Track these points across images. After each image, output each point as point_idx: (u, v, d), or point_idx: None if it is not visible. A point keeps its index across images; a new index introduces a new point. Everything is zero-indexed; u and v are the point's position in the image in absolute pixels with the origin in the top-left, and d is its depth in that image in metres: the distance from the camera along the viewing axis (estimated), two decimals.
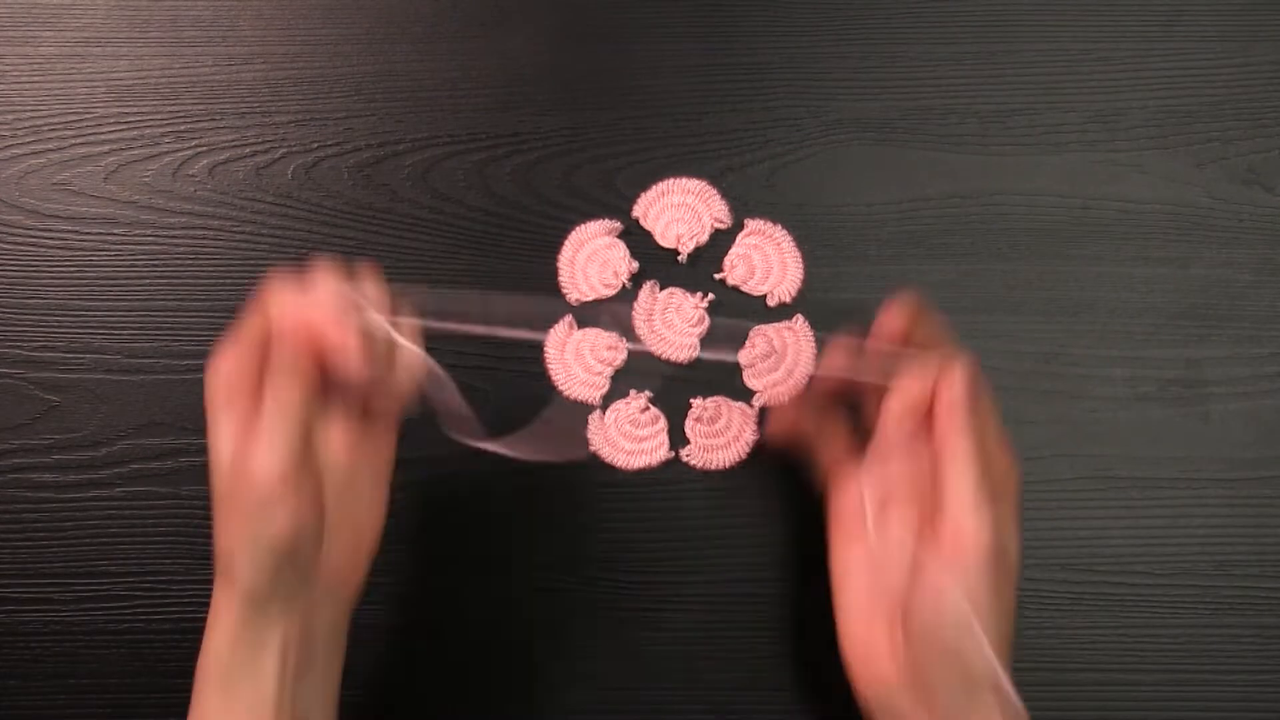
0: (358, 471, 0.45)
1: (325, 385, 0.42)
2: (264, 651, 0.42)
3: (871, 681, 0.43)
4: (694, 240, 0.55)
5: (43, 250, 0.55)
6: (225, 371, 0.42)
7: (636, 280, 0.55)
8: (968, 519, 0.40)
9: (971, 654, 0.40)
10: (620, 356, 0.54)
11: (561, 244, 0.55)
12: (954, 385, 0.42)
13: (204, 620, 0.53)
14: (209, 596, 0.53)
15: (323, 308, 0.42)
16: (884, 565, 0.43)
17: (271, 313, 0.42)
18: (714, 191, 0.55)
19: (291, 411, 0.40)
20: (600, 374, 0.54)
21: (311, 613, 0.43)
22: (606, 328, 0.54)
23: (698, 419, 0.54)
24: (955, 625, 0.40)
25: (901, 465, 0.44)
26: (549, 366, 0.54)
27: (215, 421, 0.41)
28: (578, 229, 0.55)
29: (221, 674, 0.42)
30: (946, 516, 0.40)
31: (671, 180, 0.55)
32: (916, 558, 0.42)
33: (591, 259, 0.55)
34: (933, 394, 0.42)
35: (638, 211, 0.55)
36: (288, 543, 0.41)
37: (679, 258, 0.55)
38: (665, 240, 0.55)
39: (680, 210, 0.55)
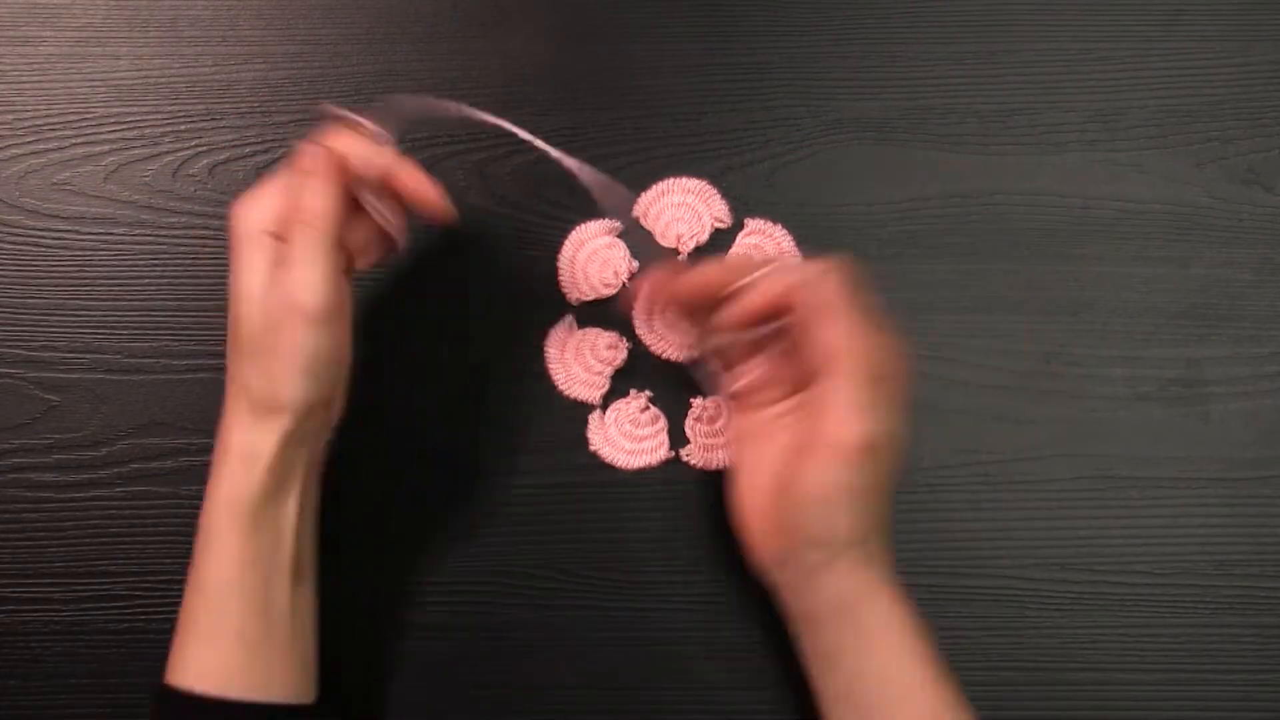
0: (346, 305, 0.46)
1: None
2: (287, 492, 0.45)
3: (761, 551, 0.46)
4: (694, 240, 0.55)
5: (43, 250, 0.55)
6: (257, 208, 0.43)
7: (637, 280, 0.55)
8: (849, 417, 0.42)
9: (841, 526, 0.43)
10: (620, 356, 0.54)
11: (561, 244, 0.55)
12: (827, 284, 0.43)
13: None
14: None
15: (350, 143, 0.44)
16: (766, 446, 0.45)
17: (300, 157, 0.43)
18: (714, 191, 0.55)
19: (329, 233, 0.43)
20: (600, 374, 0.54)
21: (317, 450, 0.46)
22: (610, 215, 0.53)
23: (698, 419, 0.54)
24: (825, 504, 0.42)
25: (773, 354, 0.46)
26: (549, 366, 0.54)
27: (246, 257, 0.43)
28: (577, 229, 0.55)
29: (249, 517, 0.43)
30: (828, 413, 0.42)
31: (672, 180, 0.55)
32: (796, 442, 0.44)
33: (591, 259, 0.55)
34: (794, 293, 0.43)
35: (638, 211, 0.55)
36: (335, 368, 0.43)
37: (680, 257, 0.55)
38: (666, 240, 0.55)
39: (681, 210, 0.55)
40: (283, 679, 0.44)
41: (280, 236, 0.43)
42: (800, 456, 0.43)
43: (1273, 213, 0.55)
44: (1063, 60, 0.56)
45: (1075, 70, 0.56)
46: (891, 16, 0.57)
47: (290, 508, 0.45)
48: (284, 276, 0.43)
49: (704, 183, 0.55)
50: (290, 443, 0.44)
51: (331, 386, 0.45)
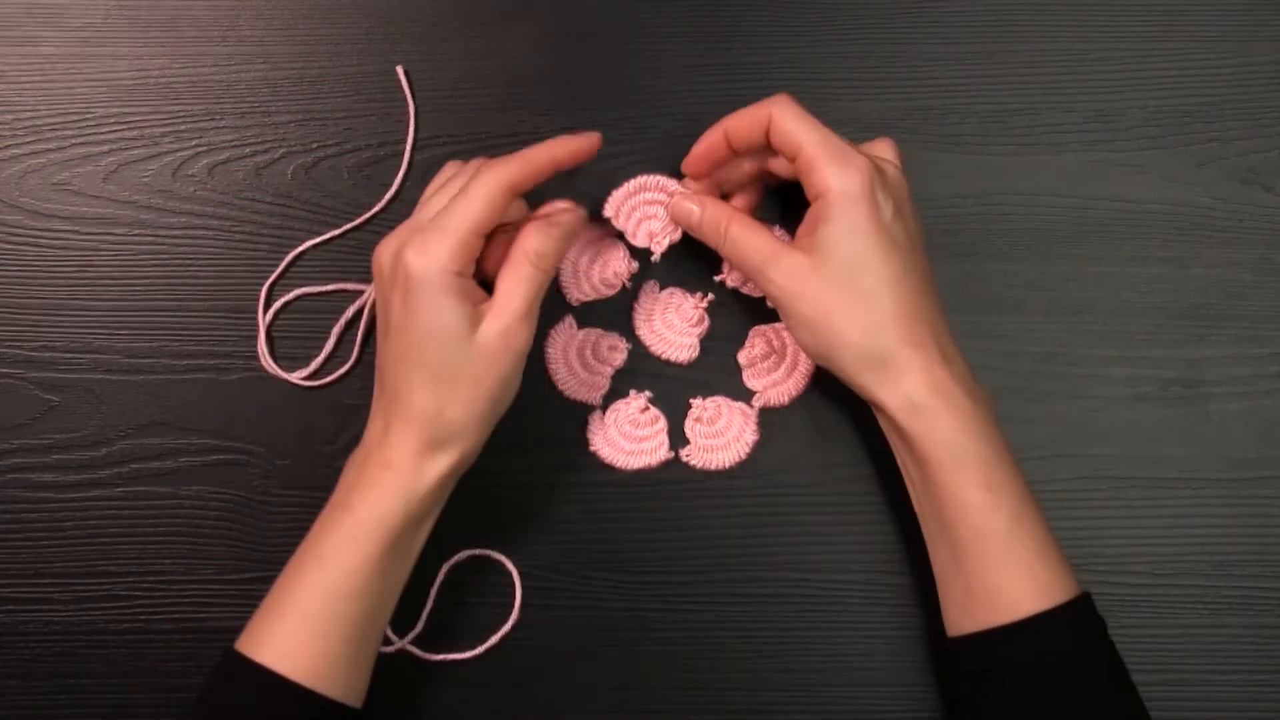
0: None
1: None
2: (429, 518, 0.47)
3: (849, 357, 0.47)
4: (667, 238, 0.53)
5: (43, 250, 0.55)
6: (436, 250, 0.44)
7: (636, 280, 0.55)
8: (825, 170, 0.46)
9: (823, 349, 0.47)
10: (620, 357, 0.54)
11: None
12: (776, 103, 0.48)
13: (203, 620, 0.53)
14: (209, 596, 0.53)
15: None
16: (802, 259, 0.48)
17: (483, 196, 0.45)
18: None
19: (550, 275, 0.46)
20: (600, 374, 0.54)
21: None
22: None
23: (698, 419, 0.54)
24: (847, 266, 0.46)
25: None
26: (549, 366, 0.54)
27: (436, 297, 0.44)
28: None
29: (394, 538, 0.45)
30: (811, 180, 0.46)
31: (644, 177, 0.53)
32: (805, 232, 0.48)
33: (592, 259, 0.55)
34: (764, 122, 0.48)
35: (609, 211, 0.53)
36: (506, 405, 0.47)
37: (652, 257, 0.53)
38: (638, 240, 0.53)
39: (653, 208, 0.54)
40: (353, 682, 0.46)
41: (464, 274, 0.45)
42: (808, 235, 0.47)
43: (1273, 213, 0.55)
44: (1063, 60, 0.56)
45: (1075, 70, 0.56)
46: (891, 16, 0.57)
47: (424, 533, 0.47)
48: (492, 314, 0.45)
49: (675, 180, 0.54)
50: (455, 472, 0.46)
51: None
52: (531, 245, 0.46)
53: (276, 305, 0.55)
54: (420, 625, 0.52)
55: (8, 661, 0.53)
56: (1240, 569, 0.53)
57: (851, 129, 0.56)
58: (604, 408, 0.54)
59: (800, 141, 0.47)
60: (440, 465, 0.46)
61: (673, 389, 0.54)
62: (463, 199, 0.45)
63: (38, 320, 0.55)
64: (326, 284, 0.55)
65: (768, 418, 0.54)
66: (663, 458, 0.54)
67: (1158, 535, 0.54)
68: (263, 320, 0.54)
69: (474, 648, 0.52)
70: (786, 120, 0.47)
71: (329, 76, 0.56)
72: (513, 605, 0.53)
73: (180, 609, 0.53)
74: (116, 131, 0.56)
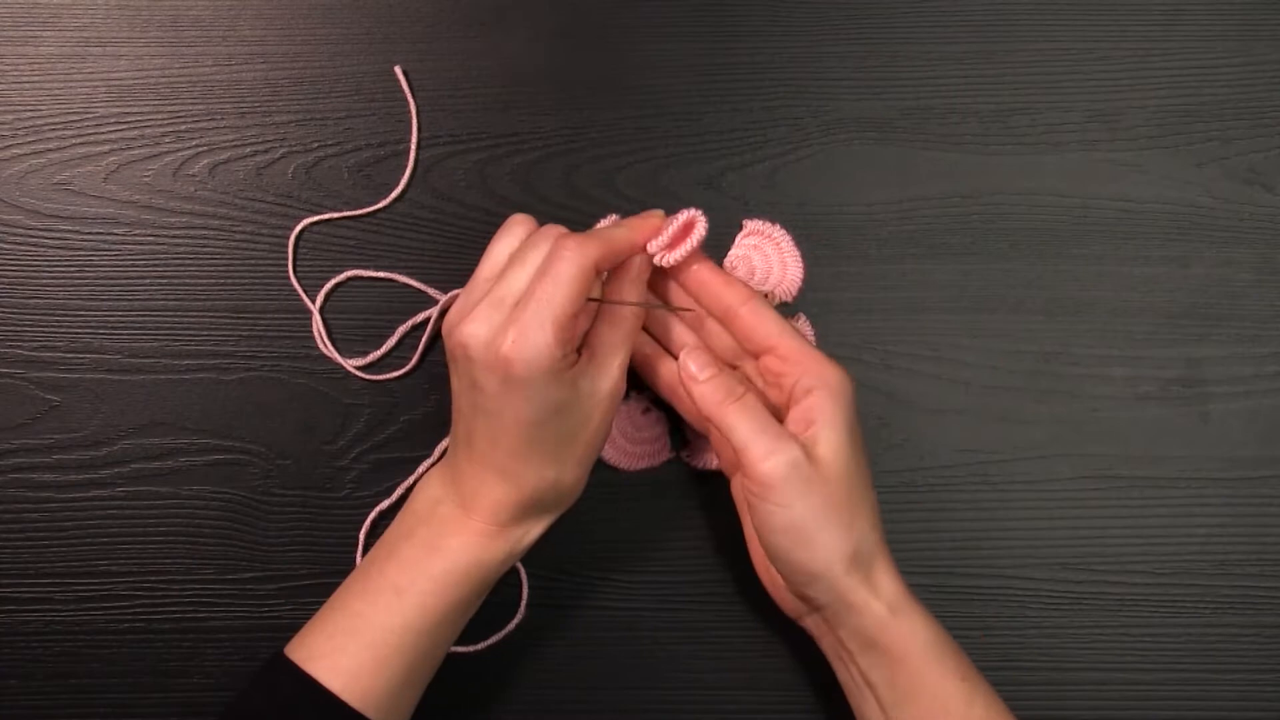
0: None
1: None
2: (487, 584, 0.47)
3: (782, 604, 0.49)
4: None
5: (43, 250, 0.55)
6: (547, 335, 0.43)
7: None
8: (815, 364, 0.46)
9: (808, 554, 0.45)
10: None
11: None
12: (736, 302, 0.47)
13: (204, 620, 0.53)
14: (209, 596, 0.53)
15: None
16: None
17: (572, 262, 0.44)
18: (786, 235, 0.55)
19: (636, 335, 0.47)
20: None
21: None
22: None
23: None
24: (784, 533, 0.44)
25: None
26: None
27: (552, 384, 0.43)
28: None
29: (484, 585, 0.46)
30: (798, 373, 0.46)
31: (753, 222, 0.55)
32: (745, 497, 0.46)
33: None
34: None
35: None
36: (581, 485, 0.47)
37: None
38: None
39: (755, 252, 0.54)
40: (404, 711, 0.46)
41: (566, 355, 0.44)
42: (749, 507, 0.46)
43: (1273, 213, 0.55)
44: (1063, 60, 0.56)
45: (1075, 70, 0.56)
46: (891, 16, 0.57)
47: (475, 597, 0.47)
48: (597, 371, 0.45)
49: (778, 227, 0.54)
50: (549, 527, 0.47)
51: None
52: (630, 297, 0.46)
53: (326, 288, 0.55)
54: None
55: (8, 661, 0.53)
56: (1240, 569, 0.53)
57: (851, 129, 0.56)
58: None
59: (780, 341, 0.46)
60: (547, 522, 0.47)
61: None
62: (551, 284, 0.43)
63: (38, 320, 0.55)
64: (378, 271, 0.55)
65: None
66: (663, 458, 0.54)
67: (1158, 535, 0.54)
68: (315, 306, 0.54)
69: (477, 644, 0.52)
70: (765, 321, 0.47)
71: (329, 76, 0.56)
72: (519, 603, 0.53)
73: (180, 609, 0.53)
74: (117, 131, 0.56)
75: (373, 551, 0.48)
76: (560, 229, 0.46)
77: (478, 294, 0.45)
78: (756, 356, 0.48)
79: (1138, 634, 0.53)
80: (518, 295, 0.43)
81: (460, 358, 0.44)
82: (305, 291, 0.54)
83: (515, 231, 0.47)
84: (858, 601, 0.44)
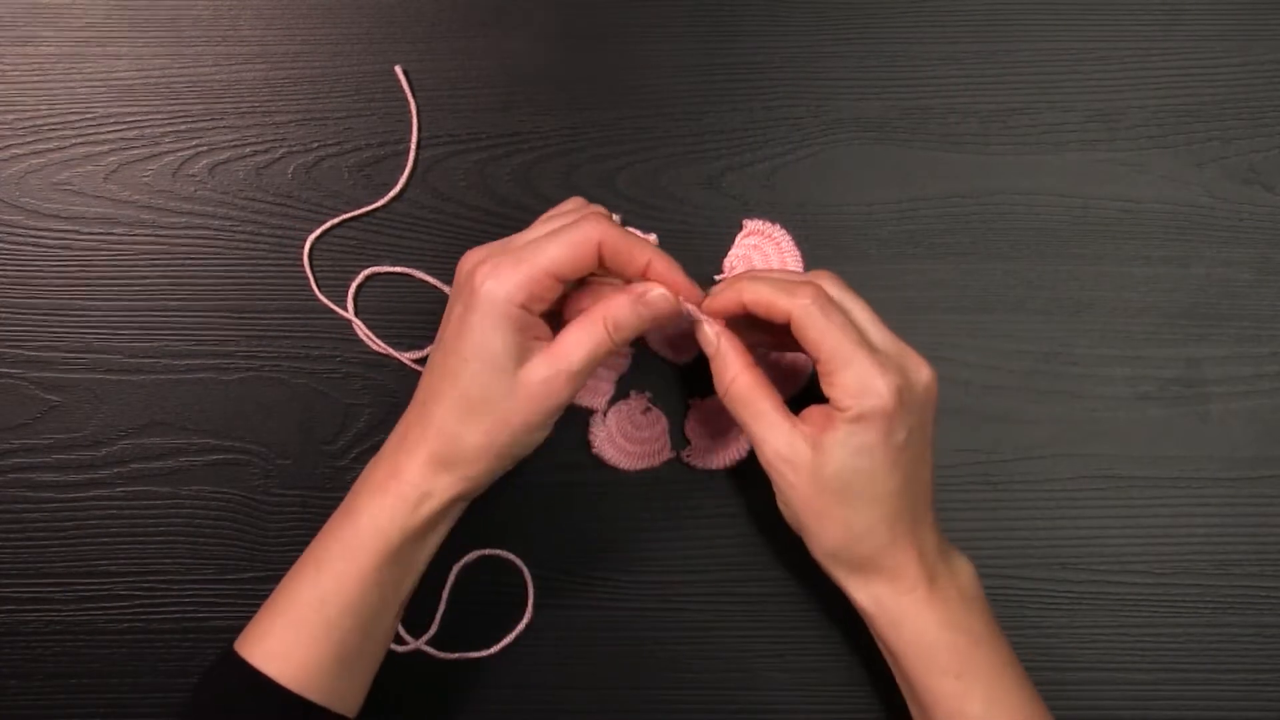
0: None
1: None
2: (433, 535, 0.46)
3: (821, 552, 0.47)
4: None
5: (43, 250, 0.55)
6: (510, 283, 0.43)
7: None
8: (847, 388, 0.44)
9: (803, 535, 0.46)
10: (624, 363, 0.54)
11: None
12: (797, 304, 0.45)
13: (204, 620, 0.53)
14: (209, 596, 0.53)
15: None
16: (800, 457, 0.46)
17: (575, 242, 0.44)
18: (786, 235, 0.55)
19: (607, 352, 0.45)
20: (605, 379, 0.54)
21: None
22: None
23: (698, 419, 0.54)
24: (844, 480, 0.44)
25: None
26: None
27: (496, 327, 0.43)
28: None
29: (394, 550, 0.45)
30: (832, 391, 0.44)
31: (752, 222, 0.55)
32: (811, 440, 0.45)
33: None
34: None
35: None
36: (528, 450, 0.46)
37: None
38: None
39: (754, 252, 0.54)
40: (345, 690, 0.45)
41: (528, 308, 0.44)
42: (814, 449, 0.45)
43: (1273, 213, 0.55)
44: (1063, 60, 0.56)
45: (1075, 70, 0.56)
46: (891, 16, 0.57)
47: (427, 550, 0.47)
48: (543, 356, 0.44)
49: (778, 227, 0.55)
50: (461, 497, 0.46)
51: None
52: (614, 313, 0.45)
53: (356, 283, 0.55)
54: (435, 626, 0.52)
55: (8, 661, 0.53)
56: (1240, 568, 0.53)
57: (851, 129, 0.56)
58: (605, 409, 0.54)
59: (820, 351, 0.44)
60: (445, 485, 0.45)
61: (673, 389, 0.54)
62: (552, 237, 0.44)
63: (38, 320, 0.55)
64: (395, 266, 0.55)
65: None
66: (663, 458, 0.54)
67: (1158, 535, 0.54)
68: (350, 311, 0.55)
69: (486, 647, 0.52)
70: (809, 329, 0.44)
71: (329, 76, 0.56)
72: (525, 605, 0.53)
73: (180, 609, 0.53)
74: (117, 131, 0.56)
75: None
76: (599, 208, 0.47)
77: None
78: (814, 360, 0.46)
79: (1138, 634, 0.53)
80: (524, 244, 0.45)
81: (455, 284, 0.46)
82: (316, 294, 0.55)
83: (564, 206, 0.49)
84: (844, 589, 0.47)
